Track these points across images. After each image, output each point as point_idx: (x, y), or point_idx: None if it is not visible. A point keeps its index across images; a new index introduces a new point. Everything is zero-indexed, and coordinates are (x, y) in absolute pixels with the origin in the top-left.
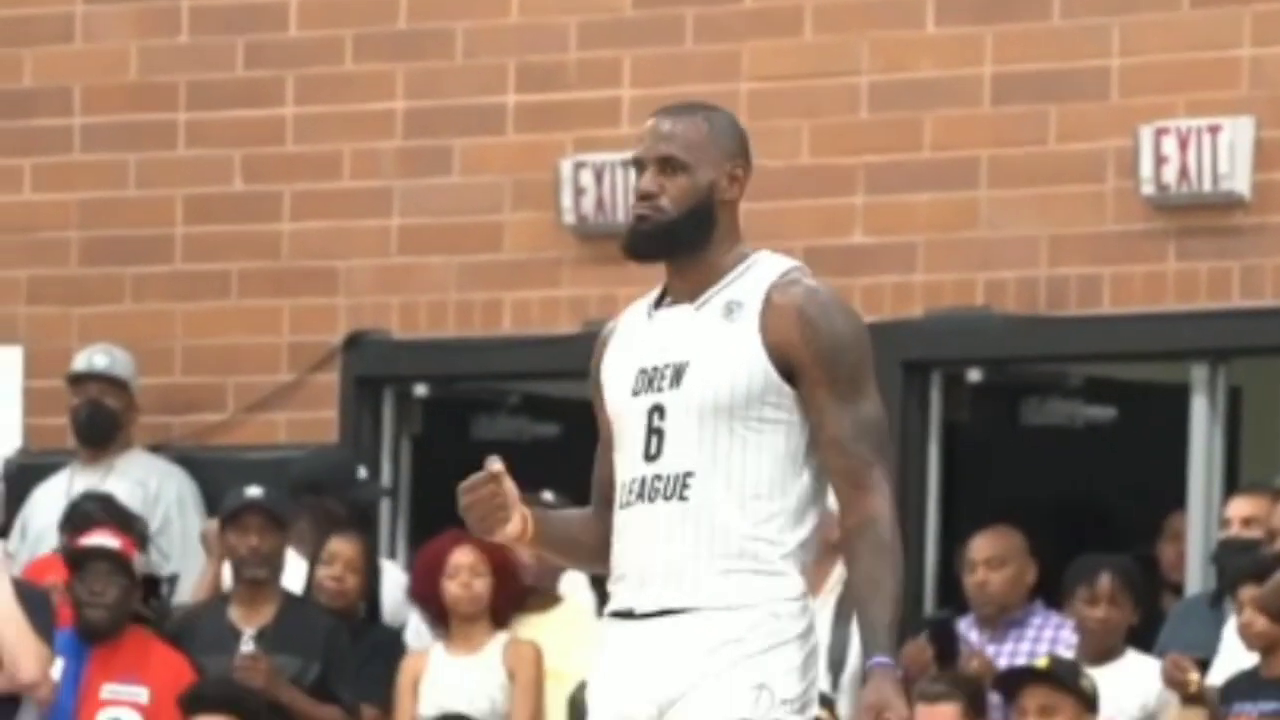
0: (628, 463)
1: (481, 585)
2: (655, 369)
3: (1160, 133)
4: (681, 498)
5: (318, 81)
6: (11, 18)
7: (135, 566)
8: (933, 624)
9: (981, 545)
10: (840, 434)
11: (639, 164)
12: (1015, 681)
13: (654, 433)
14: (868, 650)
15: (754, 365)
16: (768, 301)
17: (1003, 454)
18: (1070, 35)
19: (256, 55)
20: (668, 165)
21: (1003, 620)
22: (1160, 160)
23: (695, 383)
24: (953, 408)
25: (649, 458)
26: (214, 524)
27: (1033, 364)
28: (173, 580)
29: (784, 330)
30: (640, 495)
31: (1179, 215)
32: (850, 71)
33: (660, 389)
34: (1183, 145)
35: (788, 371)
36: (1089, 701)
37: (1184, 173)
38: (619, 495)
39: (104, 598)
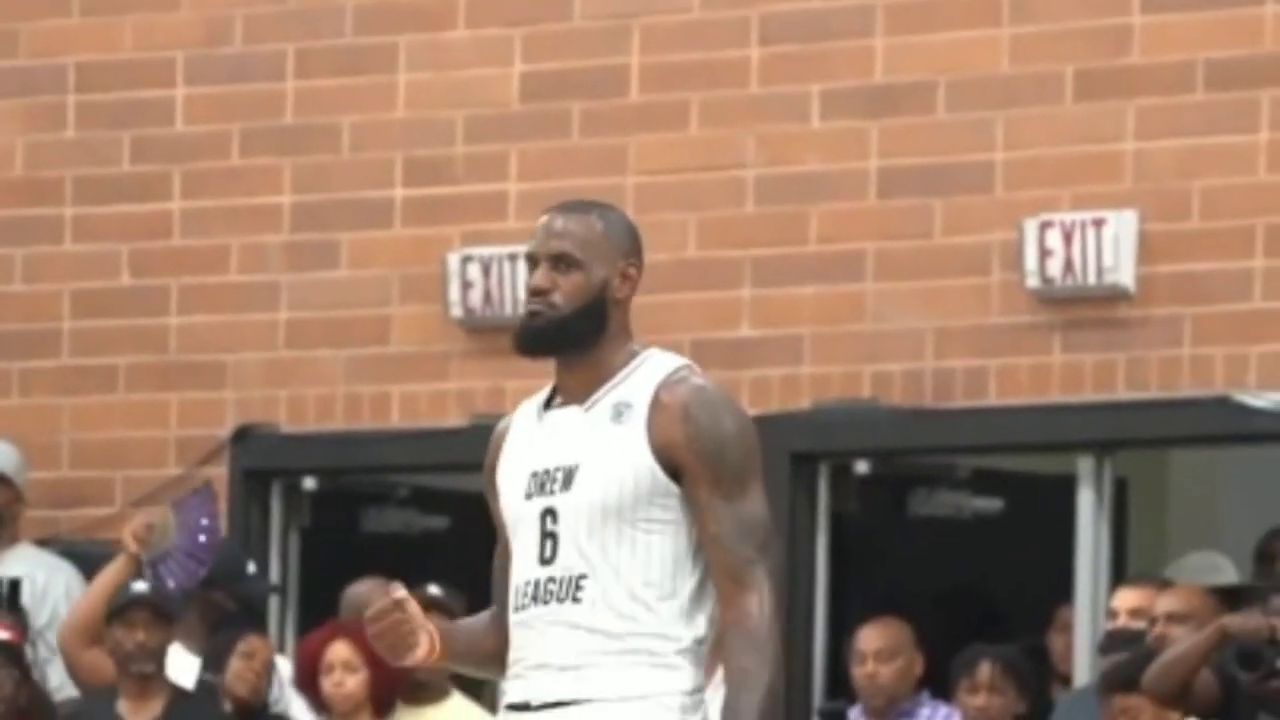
0: (522, 565)
1: (355, 682)
2: (546, 472)
3: (1045, 226)
4: (575, 600)
5: (204, 176)
6: None
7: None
8: (825, 714)
9: (870, 637)
10: (721, 532)
11: (532, 260)
12: None
13: (547, 536)
14: None
15: (640, 468)
16: (655, 402)
17: (890, 544)
18: (954, 129)
19: (143, 150)
20: (561, 262)
21: (891, 711)
22: (1045, 253)
23: (585, 486)
24: (841, 499)
25: (543, 561)
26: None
27: (920, 455)
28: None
29: (669, 429)
30: (535, 598)
31: (1064, 308)
32: (736, 165)
33: (552, 492)
34: (1067, 238)
35: (674, 471)
36: None
37: (1069, 266)
38: (514, 597)
39: None
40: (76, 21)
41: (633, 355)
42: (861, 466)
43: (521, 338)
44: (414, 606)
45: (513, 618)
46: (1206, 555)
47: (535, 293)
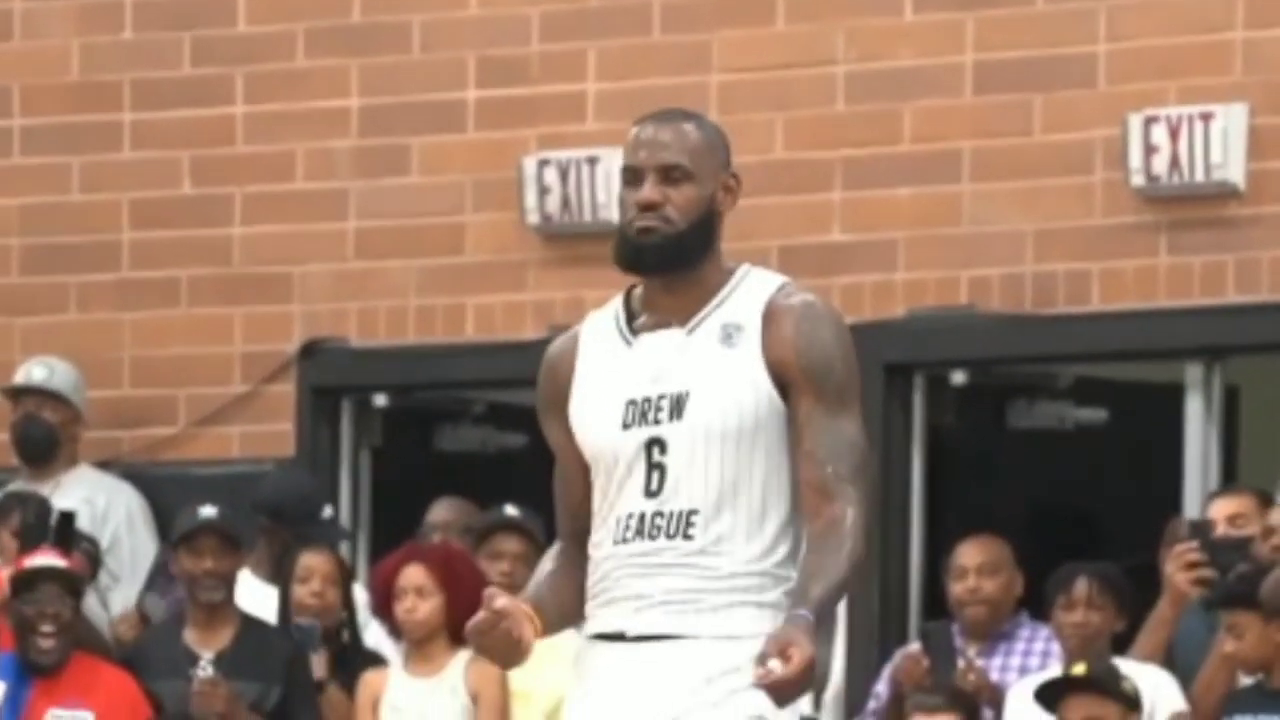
0: (624, 498)
1: (428, 608)
2: (648, 400)
3: (1150, 121)
4: (686, 536)
5: (268, 79)
6: None
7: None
8: (929, 633)
9: (971, 551)
10: (817, 447)
11: (634, 173)
12: (1054, 693)
13: (654, 468)
14: (794, 605)
15: (759, 393)
16: (766, 320)
17: (989, 458)
18: (1055, 21)
19: (204, 52)
20: (672, 174)
21: (991, 633)
22: (1150, 150)
23: (699, 414)
24: (937, 410)
25: (649, 494)
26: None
27: (1020, 365)
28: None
29: (781, 346)
30: (640, 532)
31: (1170, 207)
32: (825, 61)
33: (658, 421)
34: (1173, 134)
35: (784, 389)
36: (1132, 703)
37: (1175, 162)
38: (614, 528)
39: (53, 623)
40: None
41: (730, 273)
42: (959, 377)
43: (633, 254)
44: (514, 605)
45: (608, 549)
46: None
47: (646, 207)
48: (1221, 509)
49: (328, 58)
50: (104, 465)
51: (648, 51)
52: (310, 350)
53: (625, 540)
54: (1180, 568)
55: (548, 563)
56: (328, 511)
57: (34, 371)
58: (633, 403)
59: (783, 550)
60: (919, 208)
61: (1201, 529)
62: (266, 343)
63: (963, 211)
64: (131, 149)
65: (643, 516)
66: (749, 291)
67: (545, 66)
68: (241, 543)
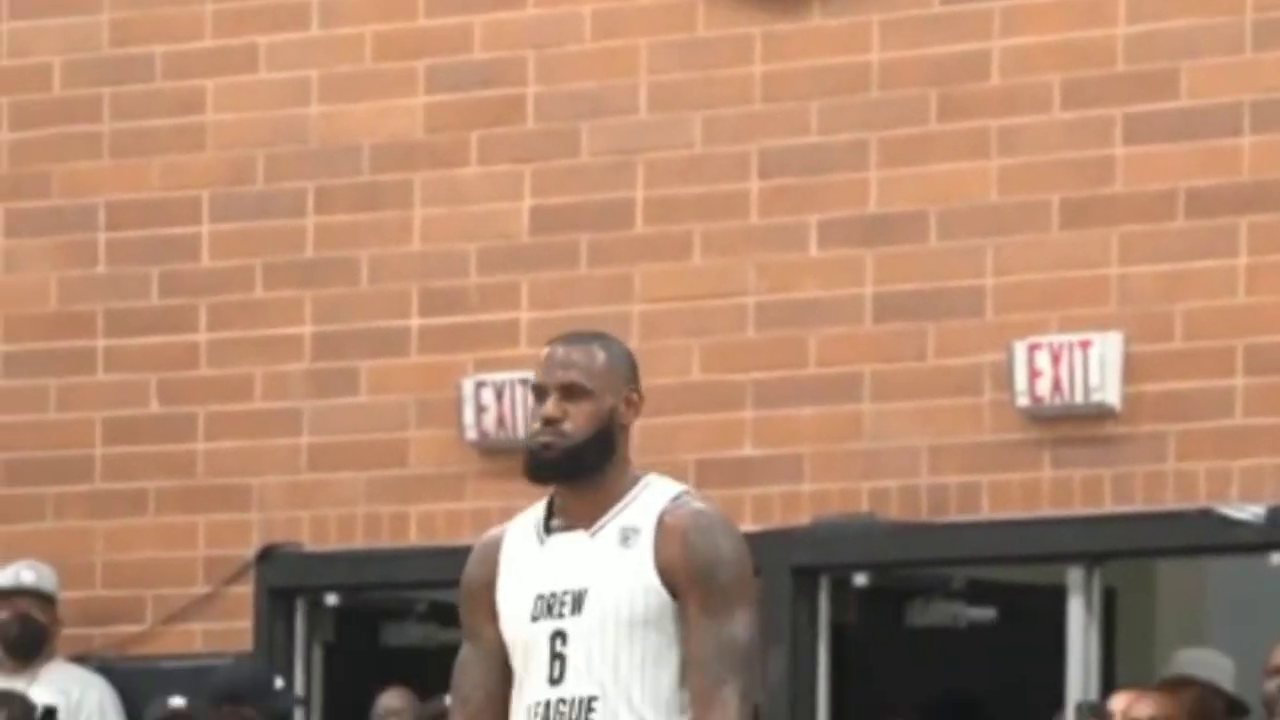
0: (530, 687)
1: None
2: (554, 595)
3: (1033, 348)
4: None
5: (229, 308)
6: None
7: None
8: None
9: None
10: (701, 653)
11: (539, 390)
12: None
13: (556, 658)
14: None
15: (649, 590)
16: (659, 526)
17: (889, 654)
18: (946, 256)
19: (171, 284)
20: (571, 391)
21: None
22: (1034, 374)
23: (595, 610)
24: (841, 610)
25: (553, 682)
26: None
27: (917, 568)
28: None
29: (670, 552)
30: (546, 719)
31: (1053, 426)
32: (738, 292)
33: (561, 615)
34: (1055, 359)
35: (675, 593)
36: None
37: (1057, 385)
38: (524, 717)
39: None
40: (106, 163)
41: (635, 480)
42: (860, 579)
43: (535, 467)
44: None
45: None
46: (1208, 652)
47: (547, 422)
48: (1118, 704)
49: (283, 289)
50: (78, 659)
51: (576, 283)
52: (267, 554)
53: None
54: None
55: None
56: (279, 682)
57: (23, 574)
58: (540, 597)
59: None
60: (823, 425)
61: (1095, 711)
62: (227, 548)
63: (863, 428)
64: (104, 372)
65: (548, 704)
66: (648, 499)
67: (482, 296)
68: None
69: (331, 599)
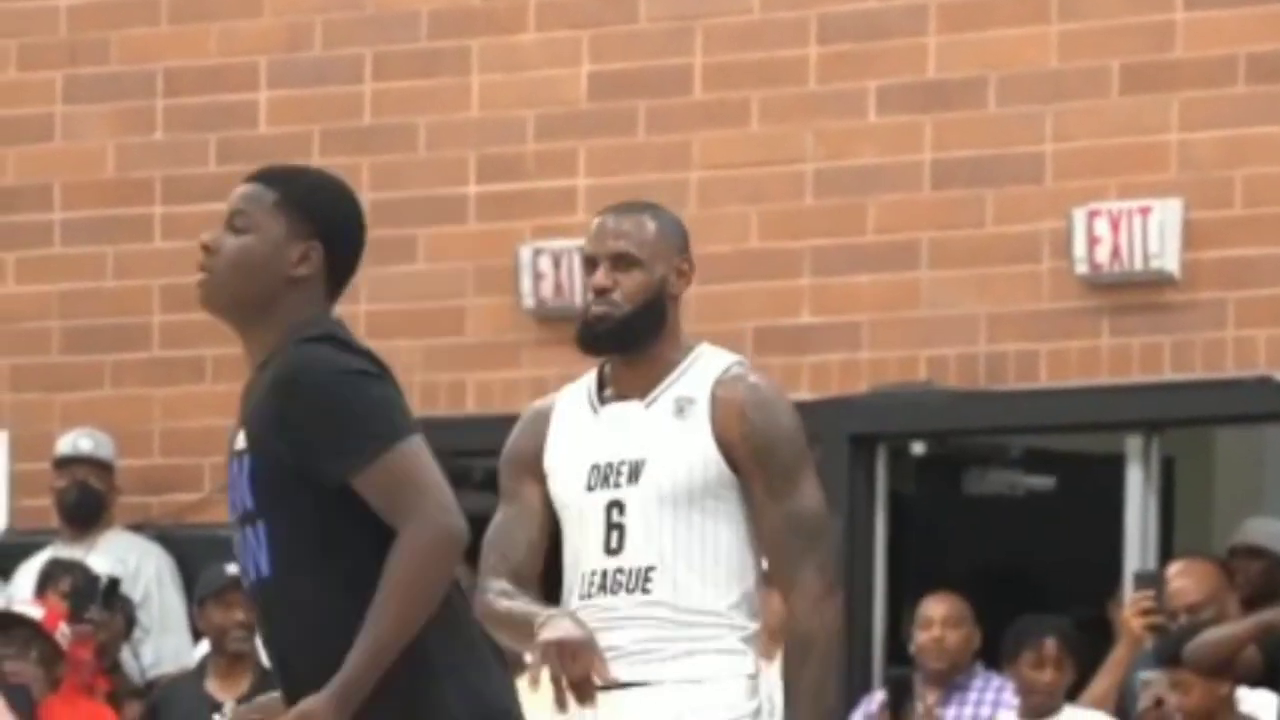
0: (586, 555)
1: None
2: (610, 465)
3: (1093, 214)
4: (644, 590)
5: None
6: None
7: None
8: (891, 680)
9: (936, 605)
10: (773, 529)
11: (590, 261)
12: None
13: (614, 527)
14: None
15: (707, 460)
16: (714, 398)
17: (946, 522)
18: (1005, 122)
19: (228, 151)
20: (621, 261)
21: (948, 682)
22: (1093, 241)
23: (653, 479)
24: (898, 478)
25: (610, 551)
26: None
27: (974, 436)
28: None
29: (727, 426)
30: (603, 588)
31: (1112, 293)
32: (796, 160)
33: (618, 485)
34: (1114, 226)
35: (734, 466)
36: None
37: (1116, 252)
38: (579, 584)
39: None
40: (164, 29)
41: (688, 350)
42: (918, 447)
43: (587, 338)
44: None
45: (575, 604)
46: (1277, 523)
47: (598, 292)
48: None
49: (341, 155)
50: (136, 528)
51: (633, 150)
52: None
53: (590, 595)
54: (1136, 614)
55: (509, 595)
56: None
57: (80, 442)
58: (595, 467)
59: (738, 600)
60: (881, 292)
61: (1154, 580)
62: None
63: (921, 296)
64: (162, 239)
65: (604, 573)
66: (701, 369)
67: (539, 163)
68: None
69: None
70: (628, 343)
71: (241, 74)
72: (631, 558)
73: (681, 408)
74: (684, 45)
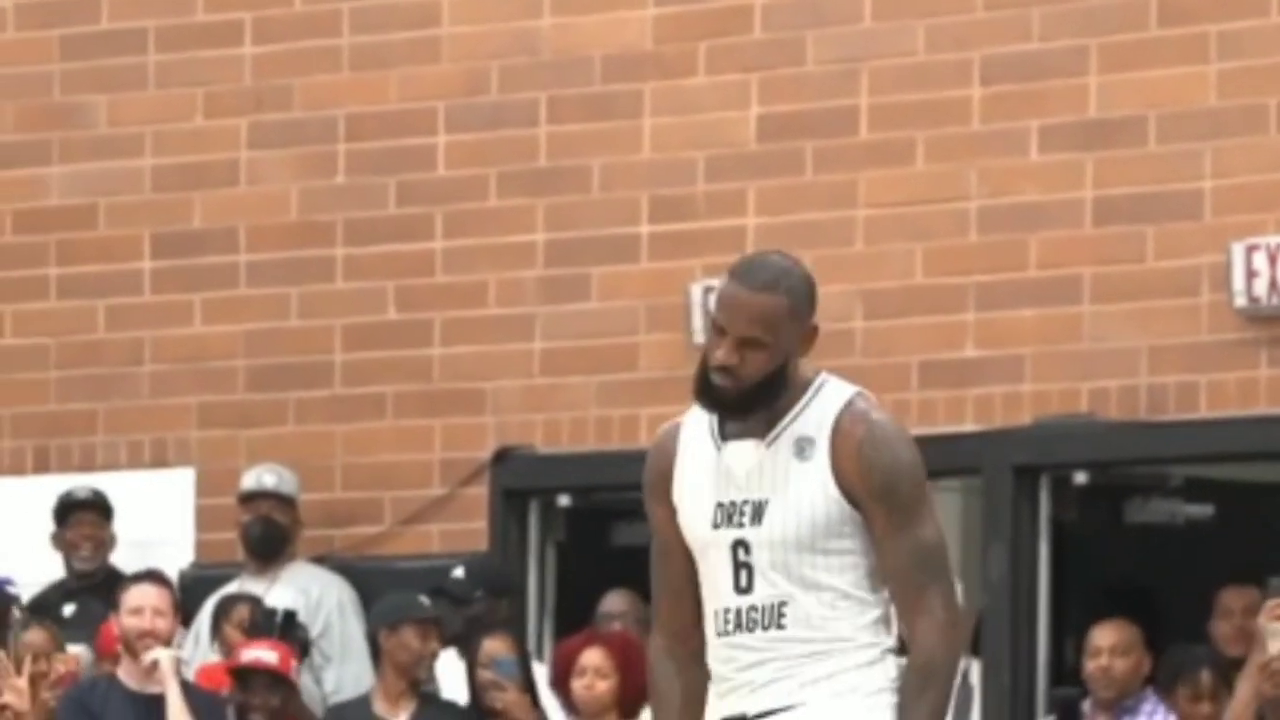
0: (718, 593)
1: (605, 686)
2: (734, 504)
3: (1251, 249)
4: (779, 625)
5: (464, 217)
6: (182, 164)
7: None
8: (1059, 701)
9: (1105, 633)
10: (898, 565)
11: (718, 328)
12: None
13: (741, 566)
14: None
15: (829, 499)
16: (835, 435)
17: (1108, 550)
18: (1165, 160)
19: (407, 194)
20: (749, 343)
21: (1117, 707)
22: (1251, 274)
23: (775, 520)
24: (1061, 507)
25: (740, 590)
26: None
27: (1135, 466)
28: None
29: (847, 466)
30: (739, 625)
31: (1270, 325)
32: (960, 197)
33: (741, 525)
34: (1272, 260)
35: (854, 501)
36: None
37: (1274, 285)
38: (715, 622)
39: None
40: (345, 76)
41: (808, 385)
42: (1080, 477)
43: (705, 401)
44: None
45: (716, 640)
46: None
47: (722, 368)
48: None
49: (517, 197)
50: (318, 560)
51: (801, 189)
52: (502, 457)
53: (727, 633)
54: (1271, 618)
55: (671, 688)
56: (458, 572)
57: (265, 478)
58: (720, 505)
59: (872, 622)
60: (1044, 326)
61: None
62: (463, 450)
63: (1083, 330)
64: (344, 280)
65: (739, 611)
66: (821, 405)
67: (709, 203)
68: (444, 628)
69: (564, 500)
70: (747, 411)
71: (420, 118)
72: (762, 595)
73: (802, 448)
74: (850, 87)
